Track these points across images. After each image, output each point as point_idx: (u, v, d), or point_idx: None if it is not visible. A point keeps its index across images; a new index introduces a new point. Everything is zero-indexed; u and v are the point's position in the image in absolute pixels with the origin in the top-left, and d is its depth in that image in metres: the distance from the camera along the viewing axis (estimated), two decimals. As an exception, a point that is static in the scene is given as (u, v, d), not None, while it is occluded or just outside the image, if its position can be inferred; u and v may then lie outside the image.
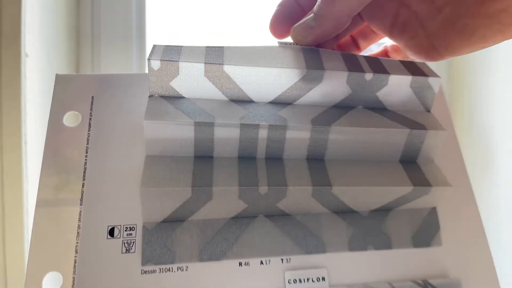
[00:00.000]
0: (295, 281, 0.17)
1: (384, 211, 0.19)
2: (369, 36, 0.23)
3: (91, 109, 0.20)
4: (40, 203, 0.19)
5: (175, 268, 0.18)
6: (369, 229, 0.19)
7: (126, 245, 0.18)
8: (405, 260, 0.19)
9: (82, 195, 0.19)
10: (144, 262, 0.17)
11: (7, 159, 0.51)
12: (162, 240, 0.17)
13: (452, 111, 0.82)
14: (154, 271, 0.17)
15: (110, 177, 0.19)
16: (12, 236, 0.51)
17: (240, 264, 0.18)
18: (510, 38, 0.18)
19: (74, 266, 0.18)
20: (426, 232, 0.19)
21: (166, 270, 0.18)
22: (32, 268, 0.18)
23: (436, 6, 0.19)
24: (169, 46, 0.18)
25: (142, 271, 0.17)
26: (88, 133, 0.19)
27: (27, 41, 0.52)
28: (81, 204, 0.19)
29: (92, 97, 0.20)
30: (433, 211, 0.20)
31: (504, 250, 0.68)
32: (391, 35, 0.21)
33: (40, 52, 0.56)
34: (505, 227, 0.68)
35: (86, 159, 0.19)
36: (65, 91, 0.20)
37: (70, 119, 0.20)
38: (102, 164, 0.19)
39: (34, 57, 0.54)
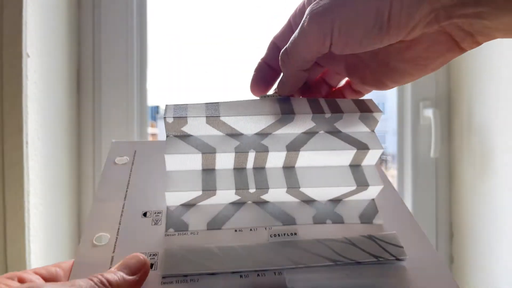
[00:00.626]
0: (275, 235, 0.24)
1: (337, 200, 0.27)
2: (335, 77, 0.29)
3: (134, 155, 0.31)
4: (97, 199, 0.27)
5: (188, 233, 0.25)
6: (327, 211, 0.27)
7: (154, 221, 0.25)
8: (355, 228, 0.26)
9: (126, 194, 0.28)
10: (167, 228, 0.25)
11: (8, 159, 0.51)
12: (180, 215, 0.25)
13: (452, 111, 0.82)
14: (174, 234, 0.25)
15: (148, 185, 0.28)
16: (13, 235, 0.52)
17: (235, 230, 0.25)
18: (431, 72, 0.24)
19: (118, 230, 0.25)
20: (369, 213, 0.27)
21: (182, 234, 0.25)
22: (87, 230, 0.25)
23: (373, 52, 0.25)
24: (178, 105, 0.26)
25: (165, 234, 0.25)
26: (131, 167, 0.30)
27: (28, 41, 0.52)
28: (125, 199, 0.27)
29: (135, 151, 0.31)
30: (372, 201, 0.28)
31: (504, 249, 0.68)
32: (347, 75, 0.28)
33: (41, 53, 0.56)
34: (504, 227, 0.68)
35: (129, 179, 0.29)
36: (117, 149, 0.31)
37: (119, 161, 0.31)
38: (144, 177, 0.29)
39: (35, 57, 0.54)
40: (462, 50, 0.23)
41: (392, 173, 0.91)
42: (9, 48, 0.51)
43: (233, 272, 0.22)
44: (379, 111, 0.27)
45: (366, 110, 0.26)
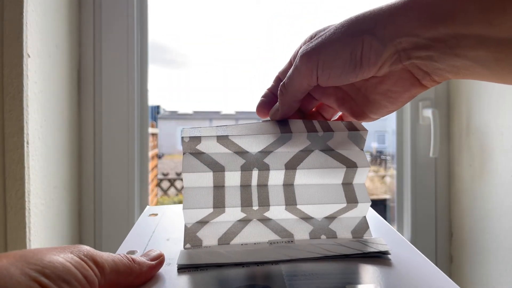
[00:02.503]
0: (273, 242, 0.29)
1: (332, 218, 0.30)
2: (328, 110, 0.34)
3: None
4: (129, 236, 0.34)
5: (202, 248, 0.29)
6: (322, 227, 0.30)
7: (175, 242, 0.31)
8: (346, 240, 0.29)
9: (154, 229, 0.35)
10: (185, 243, 0.29)
11: (9, 158, 0.51)
12: (195, 231, 0.29)
13: (451, 111, 0.82)
14: (190, 248, 0.29)
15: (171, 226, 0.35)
16: (14, 235, 0.52)
17: (242, 244, 0.29)
18: (402, 106, 0.29)
19: (146, 247, 0.31)
20: (360, 229, 0.30)
21: (196, 248, 0.29)
22: (123, 245, 0.31)
23: (356, 87, 0.30)
24: (193, 128, 0.30)
25: (184, 248, 0.29)
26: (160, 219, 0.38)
27: (28, 41, 0.52)
28: (153, 231, 0.34)
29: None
30: (364, 218, 0.31)
31: (503, 249, 0.68)
32: (337, 107, 0.32)
33: (41, 53, 0.57)
34: (503, 226, 0.68)
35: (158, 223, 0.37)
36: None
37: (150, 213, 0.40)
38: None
39: (35, 58, 0.55)
40: (424, 87, 0.28)
41: (391, 173, 0.91)
42: (9, 48, 0.51)
43: (236, 264, 0.26)
44: (365, 129, 0.31)
45: (354, 129, 0.31)
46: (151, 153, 0.84)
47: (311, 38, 0.29)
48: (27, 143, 0.52)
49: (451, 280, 0.25)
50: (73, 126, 0.69)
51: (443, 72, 0.25)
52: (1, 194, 0.52)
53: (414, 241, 0.82)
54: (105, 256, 0.23)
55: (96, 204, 0.73)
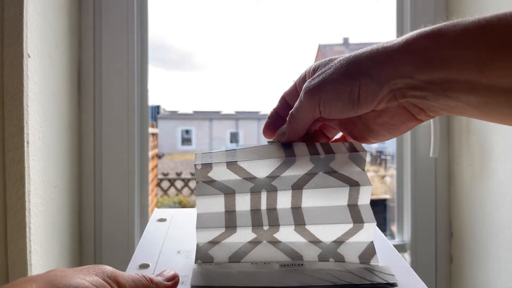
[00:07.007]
0: (284, 265, 0.30)
1: (340, 242, 0.31)
2: (331, 130, 0.36)
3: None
4: (142, 239, 0.37)
5: (213, 264, 0.31)
6: (330, 250, 0.31)
7: (186, 255, 0.33)
8: (354, 266, 0.30)
9: (164, 239, 0.36)
10: (196, 260, 0.31)
11: (9, 158, 0.52)
12: (207, 250, 0.31)
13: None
14: (201, 264, 0.31)
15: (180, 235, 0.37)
16: (14, 235, 0.52)
17: (252, 263, 0.30)
18: (399, 135, 0.32)
19: (157, 261, 0.32)
20: (367, 254, 0.31)
21: (207, 264, 0.31)
22: (134, 259, 0.33)
23: (357, 116, 0.31)
24: (205, 153, 0.33)
25: (196, 265, 0.31)
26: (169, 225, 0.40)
27: (29, 41, 0.52)
28: (163, 244, 0.36)
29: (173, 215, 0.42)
30: (371, 243, 0.31)
31: (503, 249, 0.68)
32: (340, 129, 0.34)
33: (42, 53, 0.57)
34: (503, 226, 0.68)
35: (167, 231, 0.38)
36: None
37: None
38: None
39: (36, 58, 0.55)
40: (419, 121, 0.30)
41: (391, 173, 0.91)
42: (10, 49, 0.51)
43: (248, 287, 0.27)
44: (364, 150, 0.33)
45: (354, 150, 0.32)
46: (151, 153, 0.84)
47: (314, 71, 0.31)
48: (27, 143, 0.52)
49: None
50: (73, 126, 0.70)
51: (437, 109, 0.27)
52: (1, 194, 0.52)
53: (414, 241, 0.82)
54: (125, 276, 0.24)
55: (96, 204, 0.73)
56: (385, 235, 1.01)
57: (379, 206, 1.11)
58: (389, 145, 0.92)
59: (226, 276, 0.28)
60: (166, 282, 0.26)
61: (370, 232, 0.31)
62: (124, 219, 0.74)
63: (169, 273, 0.28)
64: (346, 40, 2.65)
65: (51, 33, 0.60)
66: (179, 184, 2.61)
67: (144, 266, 0.31)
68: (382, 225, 1.02)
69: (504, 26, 0.23)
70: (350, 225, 0.30)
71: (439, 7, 0.82)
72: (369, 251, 0.31)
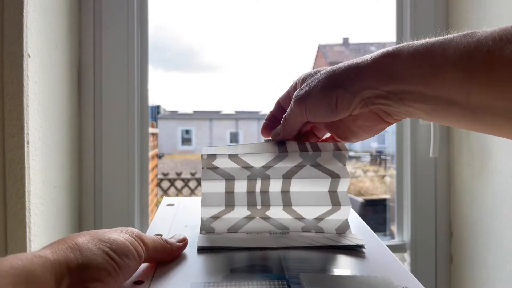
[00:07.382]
0: (272, 233, 0.37)
1: (320, 219, 0.37)
2: (320, 131, 0.42)
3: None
4: (154, 220, 0.42)
5: (214, 234, 0.37)
6: (312, 224, 0.37)
7: (192, 228, 0.39)
8: (331, 234, 0.37)
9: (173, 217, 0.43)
10: (200, 231, 0.37)
11: (9, 158, 0.52)
12: (210, 223, 0.37)
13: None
14: (205, 234, 0.37)
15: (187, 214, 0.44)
16: (14, 235, 0.52)
17: (247, 233, 0.37)
18: (374, 135, 0.38)
19: (169, 231, 0.38)
20: (343, 228, 0.37)
21: (210, 234, 0.37)
22: (150, 229, 0.39)
23: (339, 119, 0.36)
24: (210, 147, 0.38)
25: (201, 233, 0.37)
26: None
27: (29, 41, 0.52)
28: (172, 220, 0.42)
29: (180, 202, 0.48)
30: (346, 220, 0.38)
31: (502, 248, 0.68)
32: (327, 130, 0.40)
33: (42, 53, 0.57)
34: (503, 226, 0.68)
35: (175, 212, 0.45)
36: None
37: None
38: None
39: (36, 58, 0.55)
40: (388, 123, 0.36)
41: (391, 173, 0.91)
42: (10, 48, 0.51)
43: (244, 248, 0.34)
44: (346, 150, 0.39)
45: (338, 149, 0.39)
46: (151, 153, 0.84)
47: (303, 81, 0.38)
48: (27, 143, 0.52)
49: (405, 268, 0.31)
50: (73, 126, 0.70)
51: (400, 114, 0.33)
52: (1, 194, 0.52)
53: (414, 241, 0.82)
54: (148, 237, 0.31)
55: (96, 204, 0.73)
56: (385, 235, 1.02)
57: (379, 206, 1.11)
58: (389, 145, 0.92)
59: (226, 240, 0.36)
60: (177, 243, 0.33)
61: (346, 213, 0.37)
62: (124, 219, 0.74)
63: (179, 236, 0.35)
64: (346, 40, 2.65)
65: (51, 33, 0.60)
66: (179, 184, 2.61)
67: (158, 235, 0.36)
68: (382, 225, 1.02)
69: (443, 49, 0.28)
70: (329, 207, 0.37)
71: (439, 7, 0.82)
72: (344, 226, 0.37)
